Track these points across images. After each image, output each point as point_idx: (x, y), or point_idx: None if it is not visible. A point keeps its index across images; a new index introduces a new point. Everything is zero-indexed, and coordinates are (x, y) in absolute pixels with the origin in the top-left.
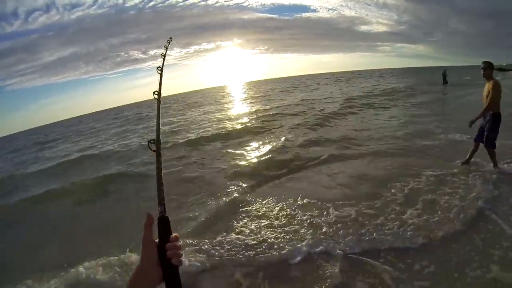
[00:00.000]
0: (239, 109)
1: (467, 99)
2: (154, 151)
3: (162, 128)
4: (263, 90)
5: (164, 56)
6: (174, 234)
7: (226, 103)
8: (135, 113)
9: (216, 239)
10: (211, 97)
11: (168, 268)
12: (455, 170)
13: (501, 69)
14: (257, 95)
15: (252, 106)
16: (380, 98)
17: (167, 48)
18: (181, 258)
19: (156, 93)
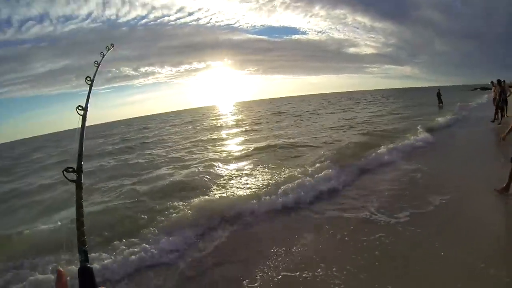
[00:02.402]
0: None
1: None
2: (73, 181)
3: None
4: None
5: (98, 65)
6: None
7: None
8: (122, 132)
9: None
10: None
11: None
12: None
13: (485, 88)
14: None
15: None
16: None
17: (103, 56)
18: None
19: (80, 108)
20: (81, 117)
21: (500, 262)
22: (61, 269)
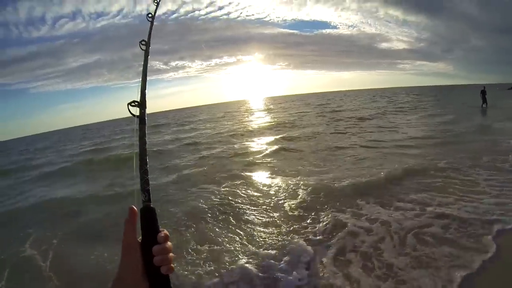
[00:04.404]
0: None
1: None
2: (136, 116)
3: None
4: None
5: (158, 3)
6: (162, 232)
7: None
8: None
9: None
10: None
11: (156, 279)
12: None
13: None
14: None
15: None
16: None
17: None
18: (172, 265)
19: (143, 43)
20: (144, 52)
21: None
22: (134, 207)
